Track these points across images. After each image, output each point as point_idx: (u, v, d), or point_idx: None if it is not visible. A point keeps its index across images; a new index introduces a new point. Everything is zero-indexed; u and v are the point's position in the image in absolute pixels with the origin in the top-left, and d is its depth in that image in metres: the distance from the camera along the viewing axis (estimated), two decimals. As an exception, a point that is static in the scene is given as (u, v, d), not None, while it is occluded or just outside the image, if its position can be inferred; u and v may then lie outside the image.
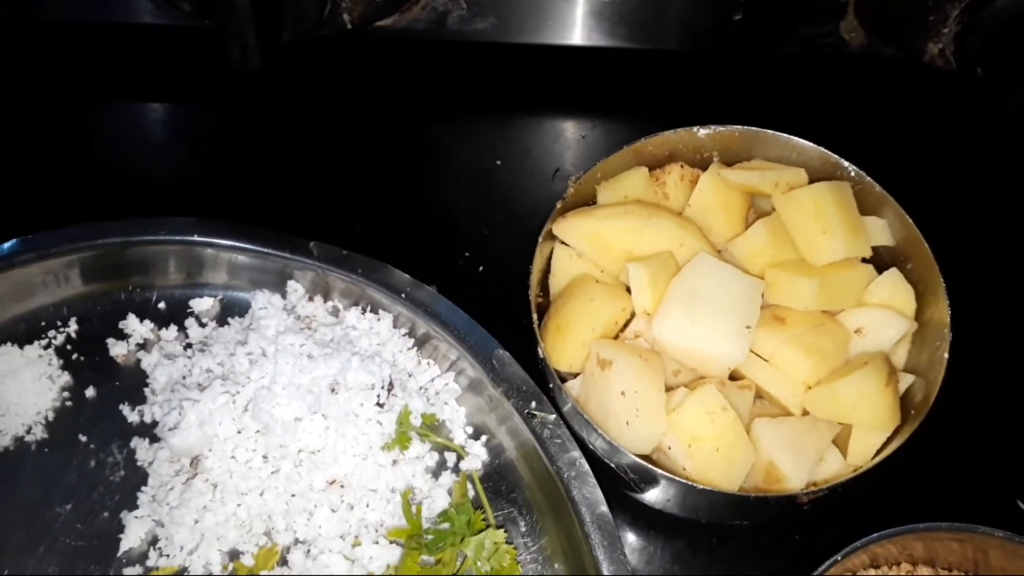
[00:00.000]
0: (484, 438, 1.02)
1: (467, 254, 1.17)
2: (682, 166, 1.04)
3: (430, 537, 0.90)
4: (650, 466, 0.82)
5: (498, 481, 1.00)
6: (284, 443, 0.93)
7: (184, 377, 0.99)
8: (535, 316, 0.91)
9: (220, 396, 0.93)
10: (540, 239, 0.95)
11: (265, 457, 0.94)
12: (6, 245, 1.05)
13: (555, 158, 1.26)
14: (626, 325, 0.95)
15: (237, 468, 0.94)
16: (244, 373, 0.96)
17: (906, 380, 0.93)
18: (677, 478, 0.82)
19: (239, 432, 0.94)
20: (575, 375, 0.95)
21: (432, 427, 1.00)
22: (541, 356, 0.90)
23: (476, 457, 1.00)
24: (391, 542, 0.93)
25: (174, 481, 0.96)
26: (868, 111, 1.30)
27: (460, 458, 1.00)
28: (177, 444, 0.94)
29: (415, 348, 1.04)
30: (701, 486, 0.81)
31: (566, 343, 0.92)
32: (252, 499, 0.94)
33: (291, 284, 1.06)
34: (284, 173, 1.25)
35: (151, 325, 1.08)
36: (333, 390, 0.93)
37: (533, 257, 0.95)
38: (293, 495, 0.93)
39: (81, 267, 1.08)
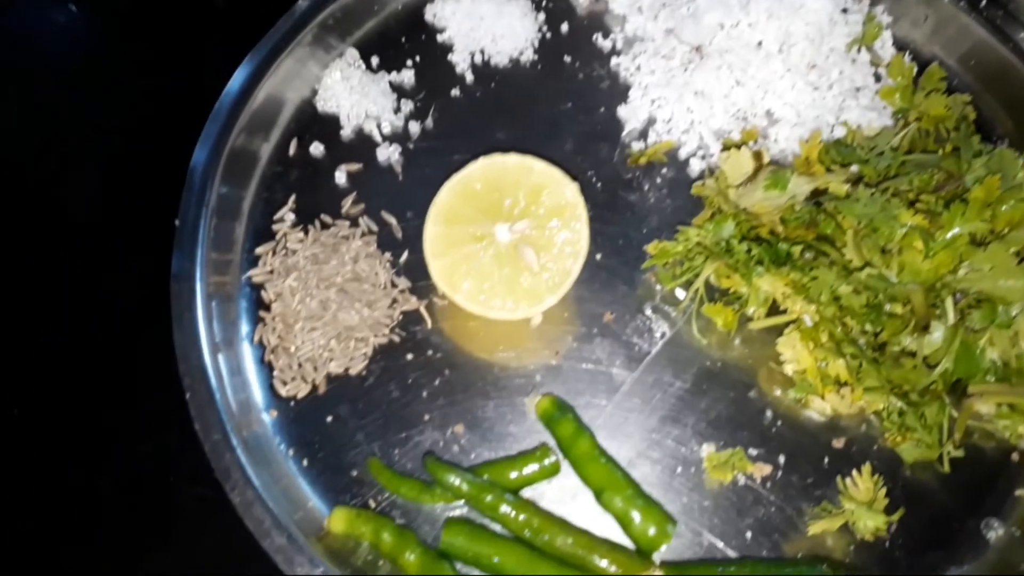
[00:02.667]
0: (912, 56, 1.20)
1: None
2: None
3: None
4: None
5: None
6: (776, 31, 1.12)
7: (678, -9, 1.19)
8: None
9: (729, -11, 1.12)
10: None
11: (760, 43, 1.13)
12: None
13: None
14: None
15: (737, 52, 1.13)
16: (738, -21, 1.15)
17: None
18: None
19: (738, 24, 1.13)
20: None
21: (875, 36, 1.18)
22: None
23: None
24: (870, 109, 1.12)
25: (673, 71, 1.16)
26: None
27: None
28: (691, 30, 1.13)
29: (851, -15, 1.22)
30: None
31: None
32: (746, 81, 1.13)
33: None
34: None
35: (614, -25, 1.28)
36: (824, -19, 1.12)
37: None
38: (787, 72, 1.12)
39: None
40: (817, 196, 0.99)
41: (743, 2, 1.12)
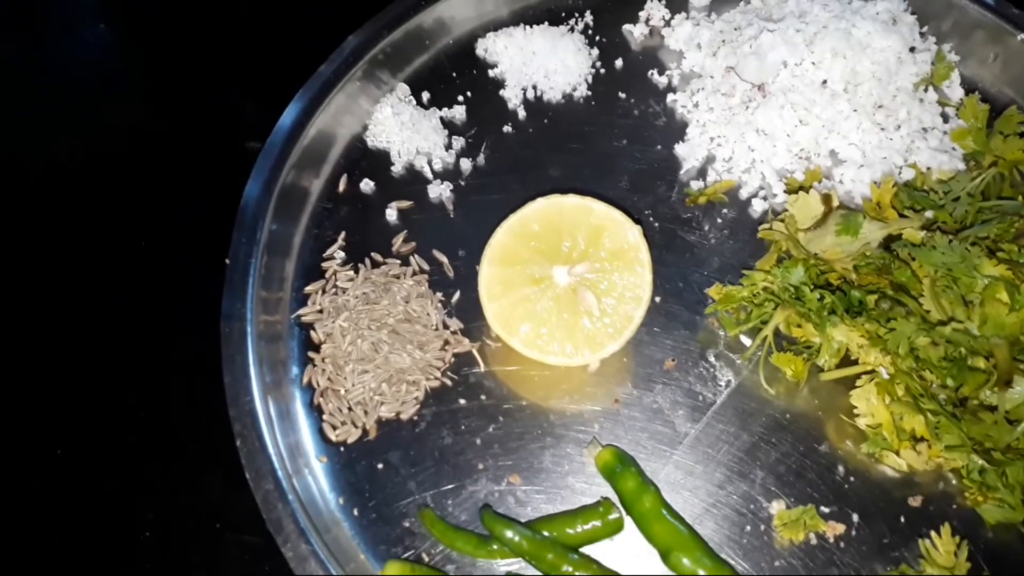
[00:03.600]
0: (980, 97, 1.16)
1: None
2: None
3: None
4: None
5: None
6: (842, 70, 1.08)
7: (736, 28, 1.16)
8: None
9: (792, 27, 1.09)
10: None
11: (824, 82, 1.09)
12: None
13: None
14: None
15: (801, 91, 1.09)
16: (800, 17, 1.11)
17: None
18: None
19: (801, 62, 1.10)
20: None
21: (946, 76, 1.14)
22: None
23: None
24: (940, 151, 1.08)
25: (734, 110, 1.13)
26: None
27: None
28: (754, 68, 1.10)
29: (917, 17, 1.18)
30: None
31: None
32: (810, 120, 1.10)
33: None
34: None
35: (665, 9, 1.25)
36: (894, 21, 1.08)
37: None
38: (853, 112, 1.08)
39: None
40: (890, 242, 0.95)
41: (808, 40, 1.09)
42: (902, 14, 1.10)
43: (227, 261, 1.00)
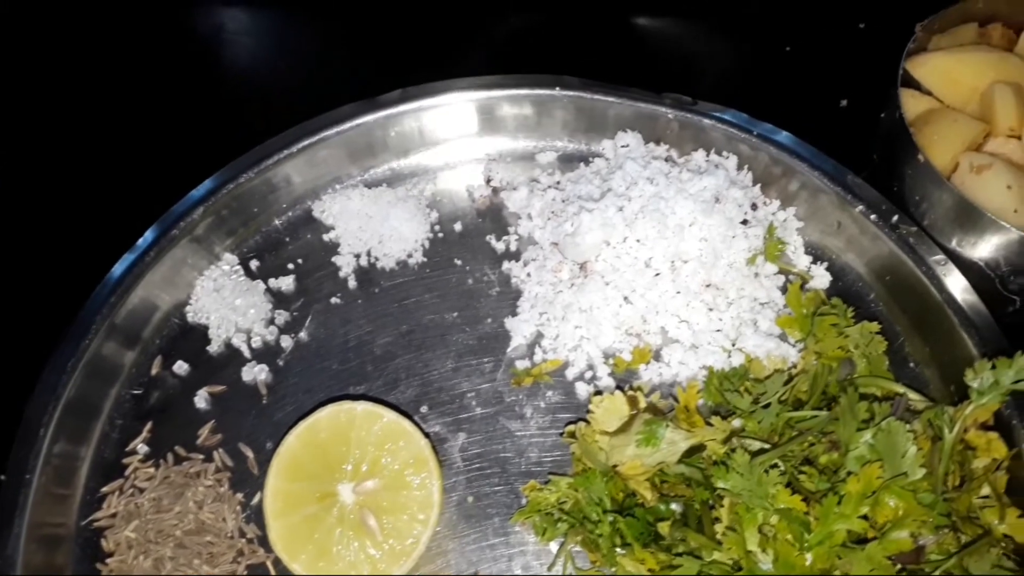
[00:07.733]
0: (825, 264, 1.11)
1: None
2: (1003, 24, 1.14)
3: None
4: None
5: (843, 299, 1.08)
6: (666, 250, 1.04)
7: (563, 201, 1.12)
8: (910, 129, 1.01)
9: (612, 207, 1.05)
10: (899, 80, 1.05)
11: (647, 263, 1.05)
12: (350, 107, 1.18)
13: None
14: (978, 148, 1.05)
15: (623, 272, 1.05)
16: (623, 194, 1.07)
17: None
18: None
19: (625, 240, 1.05)
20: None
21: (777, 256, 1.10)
22: (922, 160, 1.00)
23: (821, 278, 1.10)
24: (771, 335, 1.03)
25: (560, 286, 1.08)
26: None
27: (804, 282, 1.10)
28: (573, 249, 1.05)
29: (758, 185, 1.14)
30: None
31: (935, 158, 1.01)
32: (635, 300, 1.05)
33: (628, 134, 1.18)
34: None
35: (504, 173, 1.21)
36: (717, 200, 1.04)
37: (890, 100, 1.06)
38: (676, 294, 1.04)
39: (425, 124, 1.20)
40: (695, 452, 0.90)
41: (628, 220, 1.04)
42: (727, 191, 1.06)
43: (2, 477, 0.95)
